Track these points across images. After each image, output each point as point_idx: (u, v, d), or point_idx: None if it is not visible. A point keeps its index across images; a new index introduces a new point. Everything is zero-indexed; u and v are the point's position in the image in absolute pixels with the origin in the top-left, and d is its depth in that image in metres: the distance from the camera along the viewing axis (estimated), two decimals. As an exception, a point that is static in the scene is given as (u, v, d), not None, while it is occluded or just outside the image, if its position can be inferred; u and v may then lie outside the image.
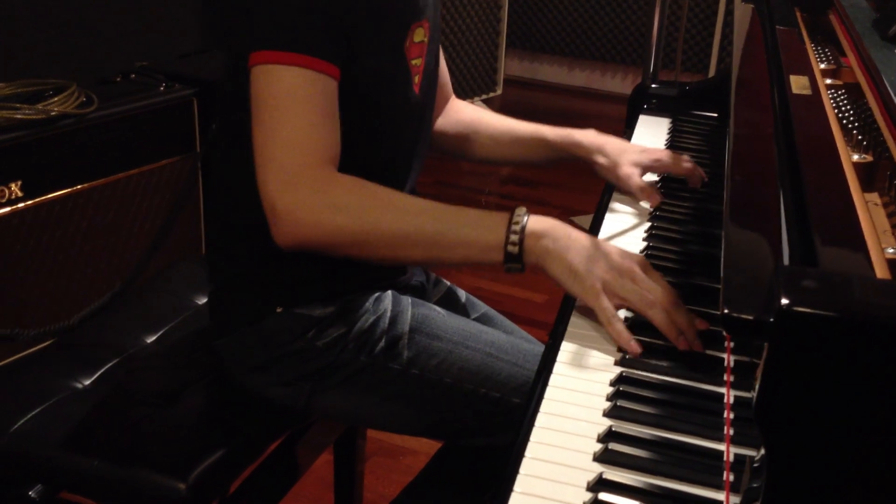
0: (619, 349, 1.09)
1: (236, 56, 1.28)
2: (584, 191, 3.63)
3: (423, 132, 1.44)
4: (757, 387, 0.60)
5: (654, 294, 1.11)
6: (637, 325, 1.11)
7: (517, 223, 1.16)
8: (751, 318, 0.66)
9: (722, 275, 0.74)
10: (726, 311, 0.67)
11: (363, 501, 1.87)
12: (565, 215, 3.22)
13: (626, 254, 1.17)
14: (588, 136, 1.55)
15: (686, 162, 1.54)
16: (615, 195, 1.54)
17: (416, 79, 1.37)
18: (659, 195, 1.48)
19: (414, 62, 1.35)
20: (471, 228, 1.18)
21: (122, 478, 1.24)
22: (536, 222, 1.16)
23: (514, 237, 1.15)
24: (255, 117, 1.22)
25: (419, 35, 1.36)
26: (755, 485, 0.66)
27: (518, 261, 1.16)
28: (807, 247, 0.76)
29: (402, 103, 1.36)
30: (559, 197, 3.67)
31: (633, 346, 1.08)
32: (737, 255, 0.77)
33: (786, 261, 0.73)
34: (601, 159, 1.54)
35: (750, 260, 0.77)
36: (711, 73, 4.86)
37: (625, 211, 1.50)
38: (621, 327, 1.10)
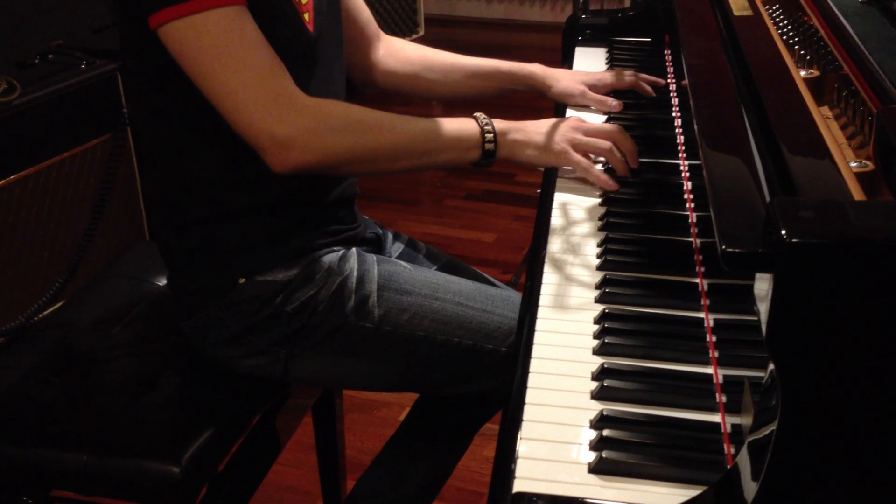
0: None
1: (131, 25, 1.25)
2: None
3: (330, 70, 1.42)
4: (766, 319, 0.62)
5: (604, 135, 1.37)
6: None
7: (487, 124, 1.34)
8: (750, 252, 0.68)
9: (712, 212, 0.76)
10: (724, 247, 0.69)
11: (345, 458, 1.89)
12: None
13: (565, 119, 1.40)
14: (539, 67, 1.66)
15: (629, 76, 1.65)
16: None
17: (307, 16, 1.35)
18: (617, 102, 1.60)
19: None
20: (452, 134, 1.33)
21: (114, 469, 1.24)
22: (499, 122, 1.36)
23: (489, 136, 1.33)
24: (200, 73, 1.20)
25: None
26: (767, 405, 0.68)
27: (492, 156, 1.35)
28: (781, 172, 0.78)
29: (292, 42, 1.33)
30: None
31: (612, 184, 1.33)
32: (721, 189, 0.79)
33: (765, 188, 0.75)
34: (555, 83, 1.64)
35: (735, 193, 0.79)
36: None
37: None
38: (598, 171, 1.34)
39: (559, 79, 1.64)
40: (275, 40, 1.25)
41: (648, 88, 1.65)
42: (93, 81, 2.42)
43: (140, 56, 1.28)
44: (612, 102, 1.59)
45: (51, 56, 2.48)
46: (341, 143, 1.26)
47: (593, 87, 1.63)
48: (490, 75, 1.65)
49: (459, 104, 3.96)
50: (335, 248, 1.39)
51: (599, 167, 1.37)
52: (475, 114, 1.36)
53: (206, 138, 1.30)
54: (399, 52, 1.67)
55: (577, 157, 1.35)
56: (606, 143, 1.36)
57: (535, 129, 1.37)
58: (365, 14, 1.62)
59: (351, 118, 1.28)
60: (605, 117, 1.63)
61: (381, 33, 1.67)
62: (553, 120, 1.40)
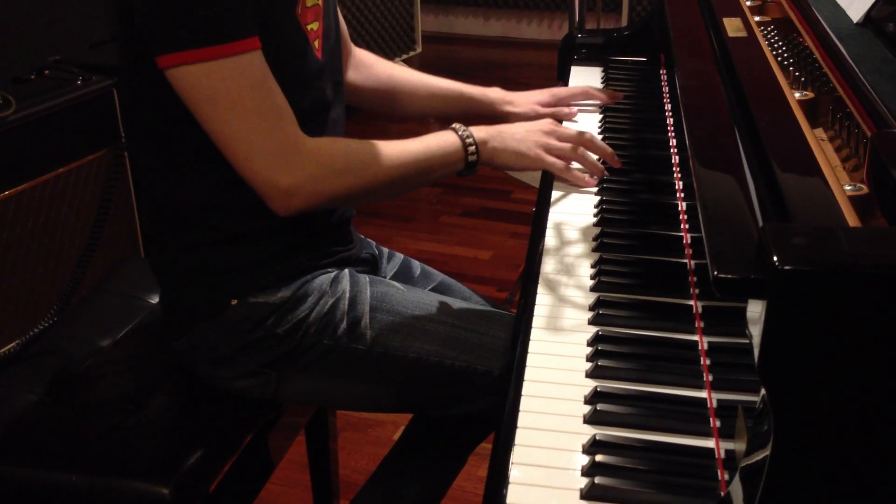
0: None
1: (135, 54, 1.25)
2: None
3: (335, 95, 1.42)
4: (758, 345, 0.61)
5: (575, 141, 1.43)
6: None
7: (467, 137, 1.38)
8: (742, 278, 0.67)
9: (704, 236, 0.75)
10: (716, 272, 0.68)
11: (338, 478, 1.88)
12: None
13: (538, 123, 1.46)
14: (497, 93, 1.70)
15: (580, 88, 1.73)
16: None
17: (316, 43, 1.35)
18: (570, 110, 1.67)
19: (310, 27, 1.33)
20: (440, 152, 1.37)
21: (103, 489, 1.22)
22: (477, 131, 1.40)
23: (471, 148, 1.38)
24: (208, 118, 1.20)
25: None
26: (759, 431, 0.67)
27: (475, 166, 1.40)
28: (774, 194, 0.78)
29: (302, 70, 1.33)
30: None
31: (589, 179, 1.43)
32: (714, 212, 0.78)
33: (757, 211, 0.75)
34: (513, 109, 1.68)
35: (727, 216, 0.78)
36: (624, 15, 4.88)
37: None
38: (575, 172, 1.43)
39: (516, 104, 1.68)
40: (286, 71, 1.25)
41: (603, 96, 1.71)
42: (89, 97, 2.42)
43: (142, 83, 1.28)
44: (566, 110, 1.66)
45: (47, 72, 2.47)
46: (342, 183, 1.29)
47: (545, 105, 1.68)
48: (454, 99, 1.68)
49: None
50: (328, 270, 1.38)
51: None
52: (453, 125, 1.40)
53: (204, 165, 1.29)
54: (366, 69, 1.67)
55: (552, 159, 1.42)
56: (576, 147, 1.43)
57: (511, 136, 1.42)
58: (345, 29, 1.62)
59: (350, 158, 1.31)
60: (600, 117, 1.68)
61: (352, 47, 1.67)
62: (527, 124, 1.46)
